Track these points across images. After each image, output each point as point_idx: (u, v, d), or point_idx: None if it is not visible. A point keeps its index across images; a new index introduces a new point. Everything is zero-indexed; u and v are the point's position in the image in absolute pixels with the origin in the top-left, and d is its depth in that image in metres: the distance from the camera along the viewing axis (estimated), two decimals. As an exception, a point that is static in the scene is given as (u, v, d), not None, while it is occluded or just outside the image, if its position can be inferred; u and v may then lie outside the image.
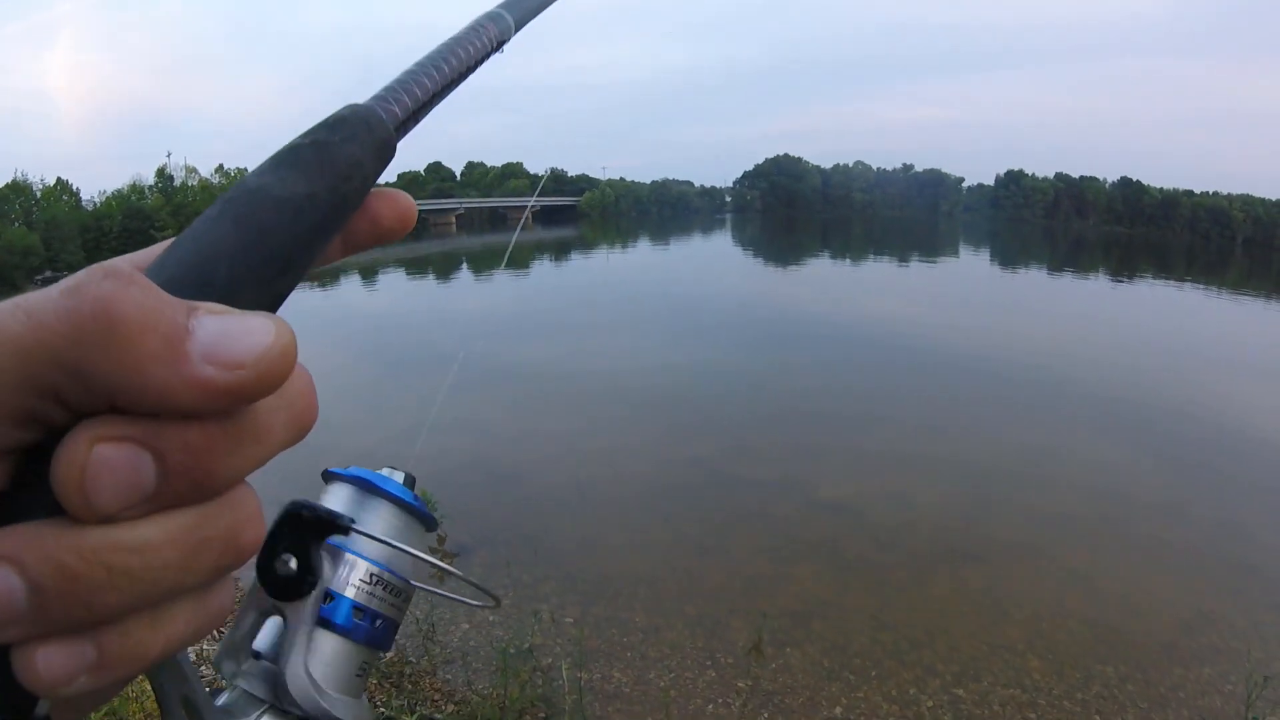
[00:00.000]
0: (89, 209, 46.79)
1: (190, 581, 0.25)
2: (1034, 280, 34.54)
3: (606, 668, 4.62)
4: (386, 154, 0.35)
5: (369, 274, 31.90)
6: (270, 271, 0.29)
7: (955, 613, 5.45)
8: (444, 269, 36.67)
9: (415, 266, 36.09)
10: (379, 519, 0.54)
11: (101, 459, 0.22)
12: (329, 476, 0.56)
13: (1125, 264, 47.29)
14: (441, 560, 0.55)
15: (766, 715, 4.27)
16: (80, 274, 0.22)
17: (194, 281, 0.27)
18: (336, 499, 0.55)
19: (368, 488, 0.55)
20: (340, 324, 18.04)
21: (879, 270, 37.13)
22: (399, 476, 0.57)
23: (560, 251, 45.14)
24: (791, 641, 4.92)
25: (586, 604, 5.29)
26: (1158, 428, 10.20)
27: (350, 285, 28.13)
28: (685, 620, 5.18)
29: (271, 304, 0.29)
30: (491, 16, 0.48)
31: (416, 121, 0.39)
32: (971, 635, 5.13)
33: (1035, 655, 4.86)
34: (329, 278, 28.71)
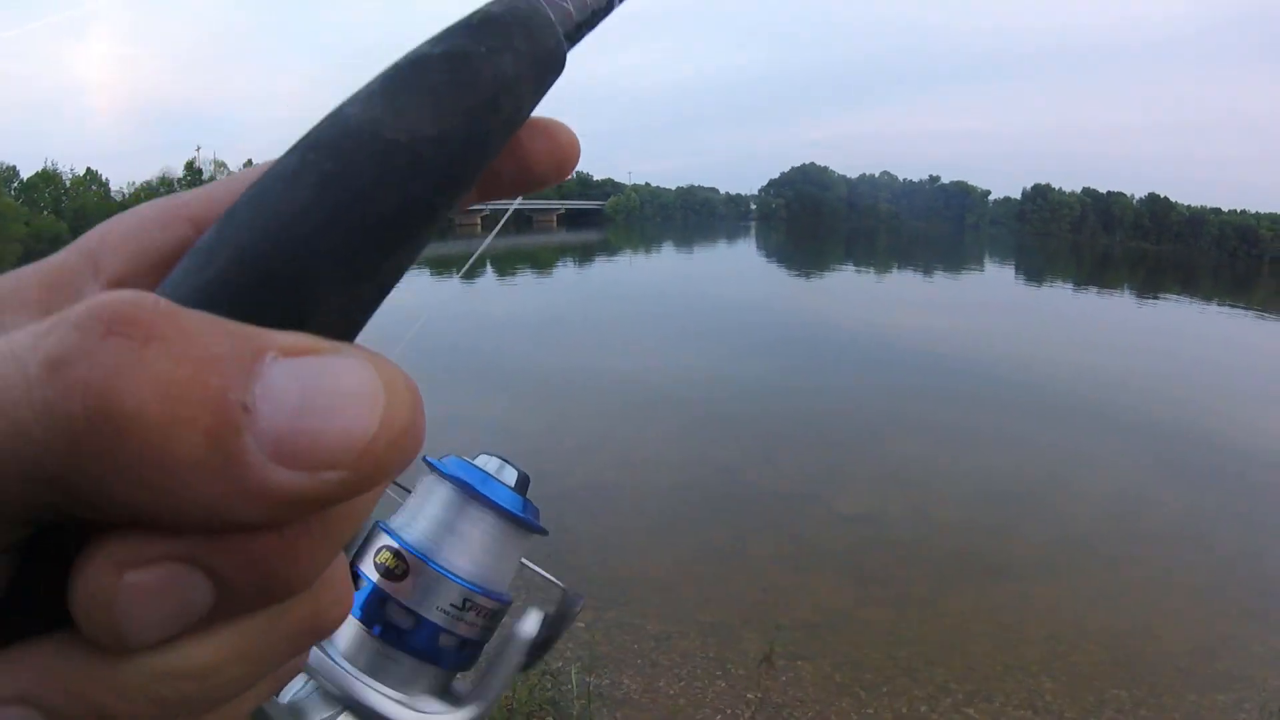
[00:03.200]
0: (117, 199, 47.25)
1: (262, 678, 0.19)
2: (1060, 296, 34.15)
3: (616, 674, 4.62)
4: (553, 71, 0.25)
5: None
6: (370, 258, 0.20)
7: (971, 630, 5.40)
8: (468, 269, 36.70)
9: (439, 266, 36.30)
10: (479, 531, 0.48)
11: (135, 588, 0.15)
12: (427, 467, 0.51)
13: (1151, 281, 46.74)
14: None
15: (775, 728, 4.26)
16: (69, 325, 0.14)
17: (253, 287, 0.18)
18: (435, 502, 0.50)
19: (471, 493, 0.49)
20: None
21: (904, 282, 36.92)
22: (510, 476, 0.50)
23: (585, 255, 45.24)
24: (804, 654, 4.90)
25: (599, 608, 5.29)
26: (1182, 448, 10.07)
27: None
28: (698, 628, 5.18)
29: (370, 305, 0.20)
30: None
31: (597, 22, 0.27)
32: (986, 654, 5.09)
33: (1049, 676, 4.82)
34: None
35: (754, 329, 18.36)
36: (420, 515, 0.49)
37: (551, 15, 0.24)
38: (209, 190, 0.24)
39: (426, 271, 33.94)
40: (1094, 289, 38.37)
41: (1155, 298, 36.30)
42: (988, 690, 4.66)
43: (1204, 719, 4.51)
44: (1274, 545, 7.10)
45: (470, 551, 0.48)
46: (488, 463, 0.50)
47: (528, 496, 0.51)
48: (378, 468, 0.16)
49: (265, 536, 0.16)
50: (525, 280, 31.90)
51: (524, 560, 0.51)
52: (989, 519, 7.45)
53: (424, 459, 0.49)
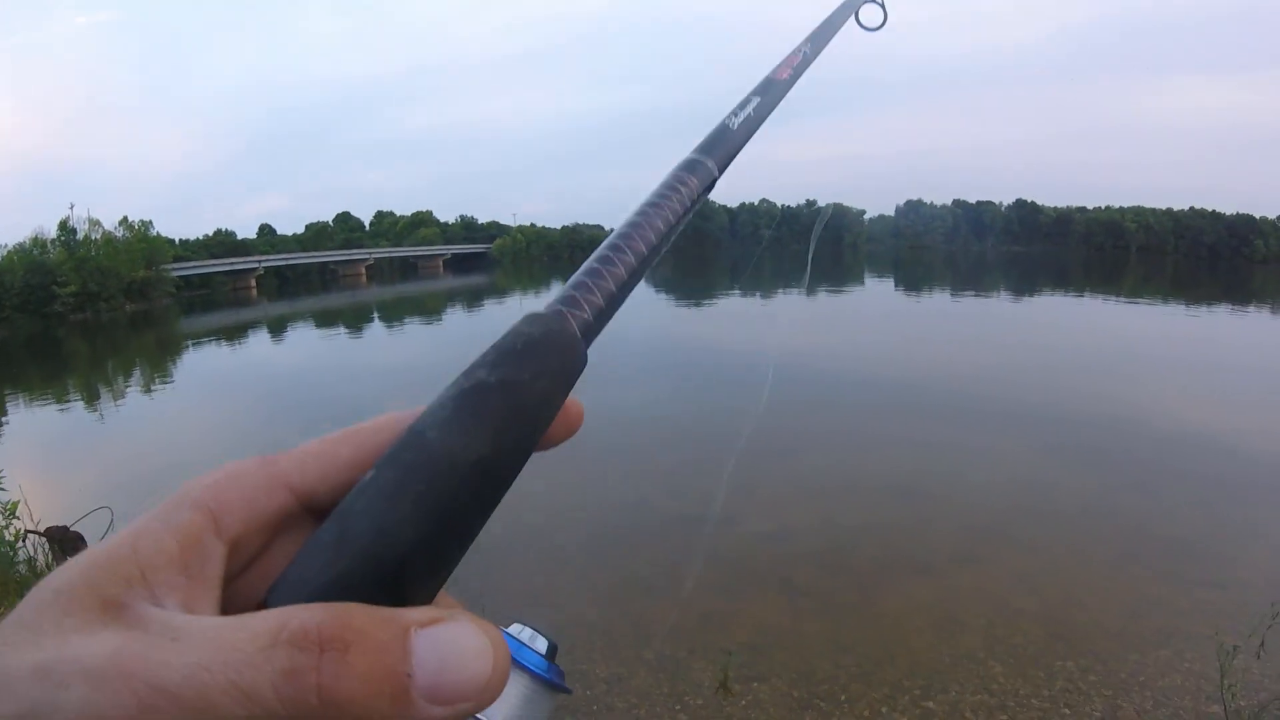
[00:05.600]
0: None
1: None
2: (939, 303, 35.67)
3: (574, 723, 4.43)
4: (577, 375, 0.31)
5: (277, 329, 31.04)
6: (450, 549, 0.27)
7: (910, 627, 5.45)
8: (355, 321, 35.67)
9: (326, 320, 35.21)
10: (515, 692, 0.54)
11: None
12: None
13: (1026, 281, 49.41)
14: None
15: (742, 753, 4.14)
16: (293, 646, 0.22)
17: (375, 578, 0.25)
18: None
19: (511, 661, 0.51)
20: (244, 381, 17.36)
21: (788, 303, 37.72)
22: (541, 645, 0.57)
23: (473, 299, 44.67)
24: (757, 676, 4.82)
25: (542, 657, 5.07)
26: (1072, 431, 10.60)
27: (258, 339, 27.25)
28: (647, 666, 5.02)
29: (446, 576, 0.28)
30: (689, 166, 0.40)
31: (609, 317, 0.34)
32: (930, 648, 5.13)
33: (996, 660, 4.89)
34: (235, 333, 27.66)
35: (648, 362, 18.36)
36: None
37: (575, 327, 0.31)
38: (301, 460, 0.31)
39: (312, 325, 32.83)
40: (971, 293, 40.19)
41: (1031, 296, 38.30)
42: (941, 682, 4.68)
43: (1150, 674, 4.68)
44: (1172, 506, 7.56)
45: (508, 711, 0.53)
46: (520, 631, 0.57)
47: (555, 661, 0.57)
48: (493, 695, 0.24)
49: None
50: (413, 329, 31.26)
51: None
52: (901, 519, 7.58)
53: None
